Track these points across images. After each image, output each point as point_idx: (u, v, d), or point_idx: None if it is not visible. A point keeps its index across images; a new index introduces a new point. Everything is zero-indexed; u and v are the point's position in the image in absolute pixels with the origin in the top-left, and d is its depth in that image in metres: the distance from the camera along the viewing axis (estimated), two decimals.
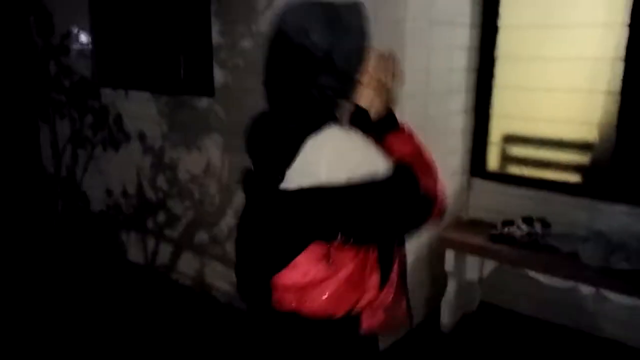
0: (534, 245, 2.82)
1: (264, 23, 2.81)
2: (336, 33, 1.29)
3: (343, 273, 1.32)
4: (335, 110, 1.34)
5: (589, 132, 2.97)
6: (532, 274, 2.87)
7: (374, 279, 1.37)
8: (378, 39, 2.54)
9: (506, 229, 2.91)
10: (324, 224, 1.30)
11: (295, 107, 1.33)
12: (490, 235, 2.94)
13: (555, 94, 3.03)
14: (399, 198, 1.28)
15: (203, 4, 3.10)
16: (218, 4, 2.99)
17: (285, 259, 1.32)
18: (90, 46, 4.03)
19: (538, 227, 2.88)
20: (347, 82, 1.34)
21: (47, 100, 4.51)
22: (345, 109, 1.37)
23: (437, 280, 3.16)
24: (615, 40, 2.77)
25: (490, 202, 3.25)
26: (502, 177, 3.25)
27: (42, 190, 4.74)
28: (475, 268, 3.09)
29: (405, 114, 2.68)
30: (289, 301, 1.34)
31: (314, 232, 1.31)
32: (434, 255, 3.13)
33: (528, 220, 2.91)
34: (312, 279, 1.31)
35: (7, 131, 4.53)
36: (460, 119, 3.18)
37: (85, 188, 4.41)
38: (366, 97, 1.37)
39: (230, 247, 3.27)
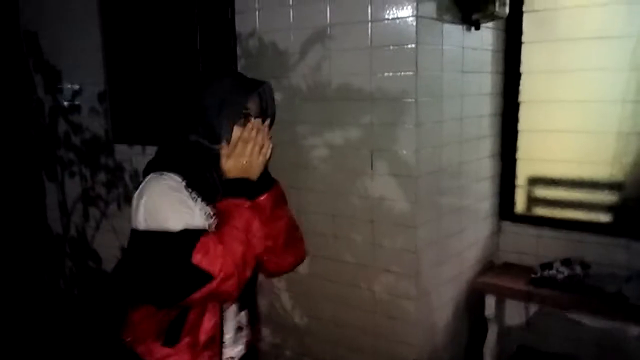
0: (578, 287, 2.81)
1: (295, 77, 2.82)
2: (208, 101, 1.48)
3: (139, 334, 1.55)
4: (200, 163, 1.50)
5: (618, 172, 3.02)
6: (573, 315, 2.86)
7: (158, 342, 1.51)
8: (419, 88, 2.56)
9: (546, 272, 2.91)
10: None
11: (162, 153, 1.57)
12: (530, 279, 2.93)
13: (580, 136, 3.09)
14: (157, 260, 1.36)
15: (229, 60, 3.11)
16: (246, 60, 3.00)
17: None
18: (103, 103, 3.99)
19: (578, 269, 2.88)
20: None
21: (54, 159, 4.41)
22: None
23: (473, 326, 3.13)
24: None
25: (521, 245, 3.25)
26: (531, 220, 3.26)
27: (48, 250, 4.59)
28: (515, 313, 3.05)
29: (442, 160, 2.72)
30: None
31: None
32: (468, 301, 3.11)
33: (567, 262, 2.91)
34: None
35: (11, 191, 4.41)
36: (489, 164, 3.21)
37: (96, 247, 4.28)
38: (230, 163, 1.48)
39: None
